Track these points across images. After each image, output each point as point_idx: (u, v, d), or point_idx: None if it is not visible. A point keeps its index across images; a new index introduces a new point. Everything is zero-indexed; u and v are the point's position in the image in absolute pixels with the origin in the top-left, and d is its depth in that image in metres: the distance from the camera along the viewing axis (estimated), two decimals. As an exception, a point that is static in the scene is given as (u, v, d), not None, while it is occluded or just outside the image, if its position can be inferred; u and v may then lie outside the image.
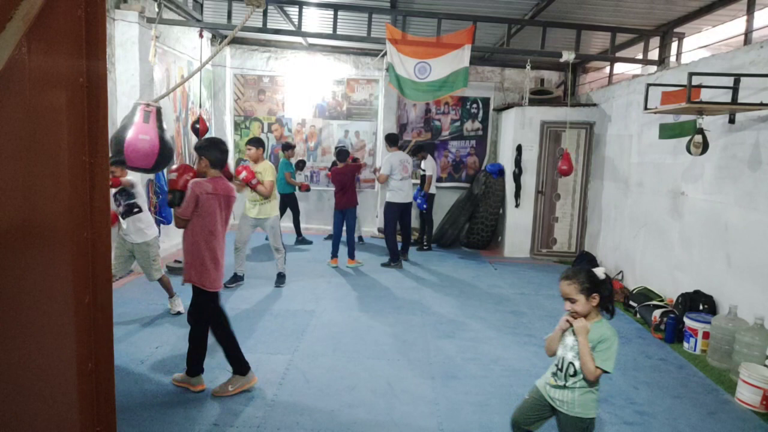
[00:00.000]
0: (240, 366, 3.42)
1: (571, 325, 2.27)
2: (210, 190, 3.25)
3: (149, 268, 4.61)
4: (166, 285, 4.73)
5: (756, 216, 4.22)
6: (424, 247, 8.15)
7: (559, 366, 2.33)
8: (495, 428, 3.11)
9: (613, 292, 2.26)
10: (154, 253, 4.62)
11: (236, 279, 5.77)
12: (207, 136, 4.13)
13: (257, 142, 5.59)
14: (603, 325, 2.25)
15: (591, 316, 2.26)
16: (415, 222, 8.70)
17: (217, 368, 3.69)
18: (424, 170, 7.83)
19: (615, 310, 2.30)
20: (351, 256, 6.89)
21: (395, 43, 6.39)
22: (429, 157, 7.91)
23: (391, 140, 7.20)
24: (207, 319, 3.39)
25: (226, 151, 3.45)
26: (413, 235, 8.56)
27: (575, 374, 2.26)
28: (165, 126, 4.66)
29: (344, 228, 6.87)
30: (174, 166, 3.42)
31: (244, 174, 5.06)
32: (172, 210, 3.37)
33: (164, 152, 4.54)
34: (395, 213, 7.06)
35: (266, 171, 5.46)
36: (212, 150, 3.36)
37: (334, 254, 6.91)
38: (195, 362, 3.40)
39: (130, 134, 4.42)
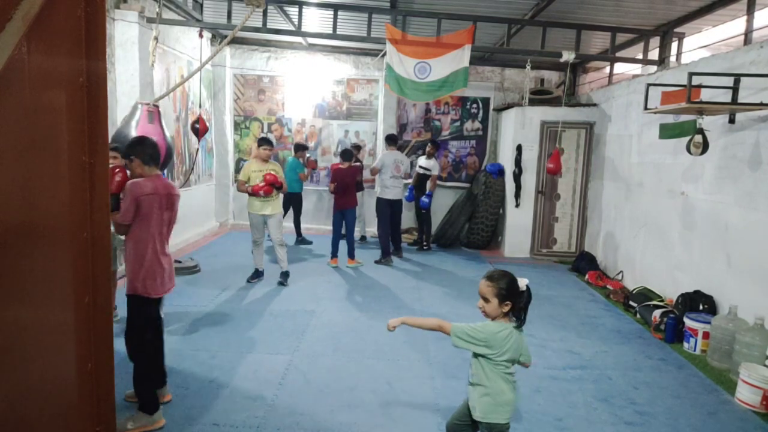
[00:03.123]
0: (150, 401, 2.97)
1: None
2: (150, 191, 2.98)
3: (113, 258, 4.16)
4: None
5: (756, 216, 4.22)
6: (424, 247, 8.15)
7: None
8: (495, 428, 3.10)
9: (528, 305, 2.26)
10: (117, 241, 4.29)
11: (258, 275, 5.96)
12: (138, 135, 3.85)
13: (270, 143, 5.84)
14: (499, 324, 2.24)
15: (498, 318, 2.26)
16: (413, 222, 8.71)
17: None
18: (424, 168, 7.84)
19: (525, 322, 2.28)
20: (351, 256, 6.90)
21: (395, 43, 6.39)
22: (434, 157, 7.93)
23: (391, 140, 7.47)
24: (154, 329, 3.11)
25: (155, 145, 3.17)
26: (413, 235, 8.59)
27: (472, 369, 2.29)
28: (164, 125, 4.68)
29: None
30: None
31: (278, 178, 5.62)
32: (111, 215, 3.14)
33: (168, 153, 4.56)
34: (384, 208, 7.28)
35: (280, 170, 5.81)
36: (140, 147, 3.09)
37: (334, 254, 6.91)
38: (149, 394, 2.97)
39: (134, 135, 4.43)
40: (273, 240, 5.91)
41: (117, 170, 3.14)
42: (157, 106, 4.55)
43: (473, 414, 2.29)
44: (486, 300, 2.25)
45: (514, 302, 2.22)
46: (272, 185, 5.54)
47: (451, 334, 2.25)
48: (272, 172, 5.62)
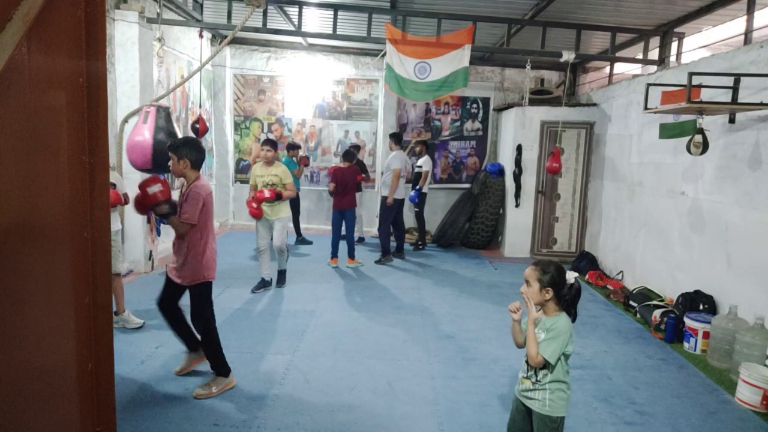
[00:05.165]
0: (224, 365, 3.45)
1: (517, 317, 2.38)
2: (210, 191, 3.35)
3: (115, 260, 4.15)
4: (118, 291, 4.25)
5: (756, 216, 4.22)
6: (420, 247, 8.15)
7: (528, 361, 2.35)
8: (495, 428, 3.10)
9: (577, 299, 2.29)
10: (119, 244, 4.39)
11: (263, 284, 5.69)
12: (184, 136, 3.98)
13: (274, 144, 5.62)
14: (560, 318, 2.27)
15: (549, 311, 2.29)
16: (413, 222, 8.71)
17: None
18: (419, 167, 7.86)
19: (576, 316, 2.32)
20: (351, 256, 6.90)
21: (395, 43, 6.39)
22: (426, 154, 7.94)
23: (398, 139, 7.43)
24: (212, 311, 3.46)
25: (203, 150, 3.40)
26: (413, 235, 8.58)
27: (545, 366, 2.27)
28: (167, 125, 4.61)
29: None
30: (147, 178, 3.22)
31: (267, 194, 5.35)
32: (170, 220, 3.20)
33: (160, 151, 4.43)
34: (391, 209, 7.28)
35: (285, 174, 5.56)
36: (192, 150, 3.27)
37: (334, 254, 6.92)
38: (223, 359, 3.44)
39: (131, 137, 4.43)
40: (273, 244, 5.76)
41: (159, 180, 3.24)
42: (154, 105, 4.55)
43: (541, 410, 2.29)
44: (528, 284, 2.31)
45: (556, 292, 2.26)
46: (276, 198, 5.38)
47: (549, 361, 2.22)
48: (269, 186, 5.43)
